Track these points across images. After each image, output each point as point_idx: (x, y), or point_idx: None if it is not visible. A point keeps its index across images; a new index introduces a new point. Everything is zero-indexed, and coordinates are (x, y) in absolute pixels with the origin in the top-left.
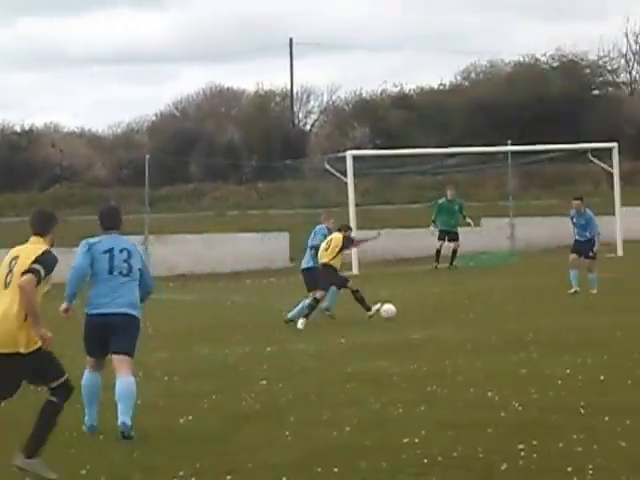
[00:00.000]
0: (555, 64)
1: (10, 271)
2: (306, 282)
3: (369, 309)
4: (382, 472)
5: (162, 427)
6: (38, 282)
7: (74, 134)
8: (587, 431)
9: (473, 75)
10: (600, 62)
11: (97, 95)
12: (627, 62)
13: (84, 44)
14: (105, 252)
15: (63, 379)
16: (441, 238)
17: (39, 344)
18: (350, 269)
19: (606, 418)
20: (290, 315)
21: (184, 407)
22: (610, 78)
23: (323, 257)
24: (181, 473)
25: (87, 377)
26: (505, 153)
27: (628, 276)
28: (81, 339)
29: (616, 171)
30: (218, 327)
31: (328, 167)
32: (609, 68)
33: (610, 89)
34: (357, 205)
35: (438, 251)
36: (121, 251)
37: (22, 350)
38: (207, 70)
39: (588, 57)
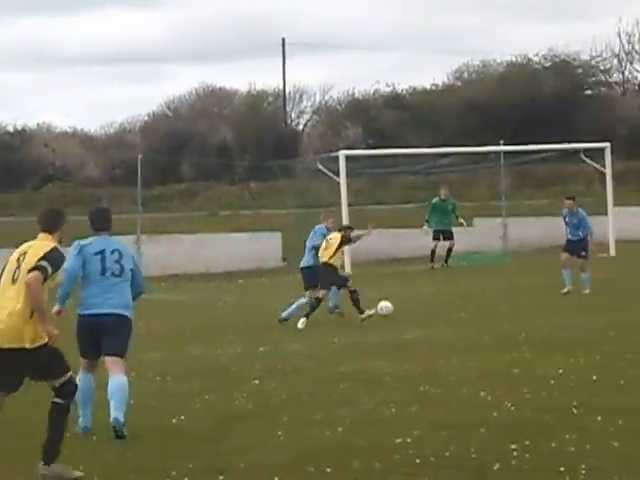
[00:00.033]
0: (548, 64)
1: (18, 267)
2: (304, 281)
3: (362, 312)
4: (375, 472)
5: (155, 427)
6: (45, 279)
7: (67, 134)
8: (580, 431)
9: (466, 75)
10: (593, 62)
11: (89, 95)
12: (620, 62)
13: (76, 44)
14: (97, 254)
15: (67, 377)
16: (436, 238)
17: (45, 340)
18: (343, 269)
19: (599, 418)
20: (284, 314)
21: (176, 407)
22: (603, 78)
23: (323, 256)
24: (174, 473)
25: (81, 379)
26: (498, 153)
27: (621, 276)
28: (74, 341)
29: (608, 171)
30: (210, 327)
31: (321, 167)
32: (602, 68)
33: (603, 89)
34: (350, 205)
35: (433, 251)
36: (112, 252)
37: (27, 345)
38: (199, 70)
39: (581, 57)
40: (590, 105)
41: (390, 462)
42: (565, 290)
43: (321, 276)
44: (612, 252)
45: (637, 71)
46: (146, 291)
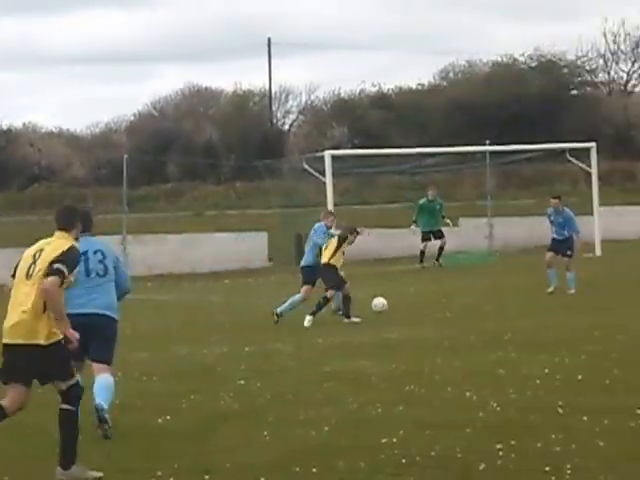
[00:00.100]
0: (533, 64)
1: (34, 262)
2: (303, 278)
3: (349, 317)
4: (360, 472)
5: (140, 427)
6: (62, 283)
7: (52, 134)
8: (565, 431)
9: (451, 75)
10: (578, 62)
11: (75, 95)
12: (605, 62)
13: (62, 44)
14: (80, 255)
15: (75, 380)
16: (425, 239)
17: (59, 337)
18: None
19: (584, 418)
20: (279, 309)
21: (162, 407)
22: (588, 78)
23: (323, 257)
24: (159, 473)
25: None
26: (483, 153)
27: (606, 276)
28: None
29: (594, 171)
30: (196, 327)
31: (306, 167)
32: (587, 68)
33: (588, 89)
34: (336, 205)
35: (422, 252)
36: (95, 253)
37: (42, 342)
38: (185, 70)
39: (566, 57)
40: (576, 105)
41: (375, 462)
42: (550, 289)
43: (324, 277)
44: (598, 252)
45: (623, 71)
46: (131, 291)
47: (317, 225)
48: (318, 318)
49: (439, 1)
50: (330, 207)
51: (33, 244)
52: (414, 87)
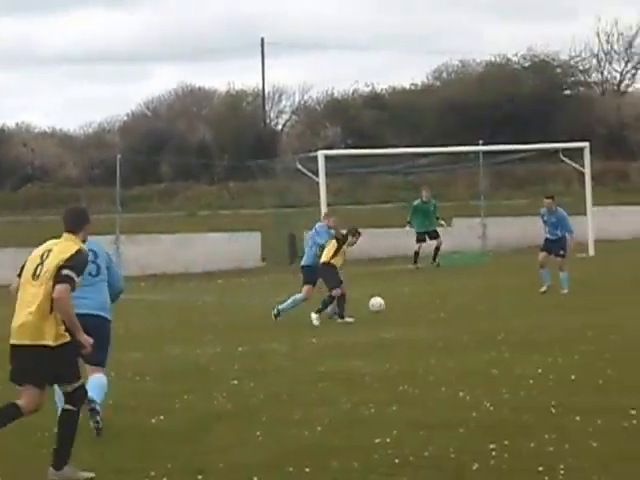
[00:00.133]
0: (527, 64)
1: (41, 263)
2: (304, 277)
3: (342, 317)
4: (353, 472)
5: (133, 427)
6: (73, 289)
7: (46, 134)
8: (558, 431)
9: (445, 75)
10: (572, 62)
11: (68, 95)
12: (598, 62)
13: (55, 44)
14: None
15: (80, 382)
16: (420, 240)
17: (68, 339)
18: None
19: (577, 418)
20: (281, 307)
21: (155, 407)
22: (582, 78)
23: (323, 256)
24: (152, 473)
25: None
26: (477, 153)
27: (599, 276)
28: None
29: (587, 171)
30: (190, 327)
31: (300, 167)
32: (581, 68)
33: (581, 89)
34: (329, 205)
35: (417, 253)
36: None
37: (51, 343)
38: (178, 70)
39: (560, 57)
40: (569, 105)
41: (369, 462)
42: (543, 289)
43: (324, 276)
44: (591, 252)
45: (616, 71)
46: (125, 291)
47: (318, 225)
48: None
49: (432, 2)
50: (323, 207)
51: (27, 244)
52: (407, 87)
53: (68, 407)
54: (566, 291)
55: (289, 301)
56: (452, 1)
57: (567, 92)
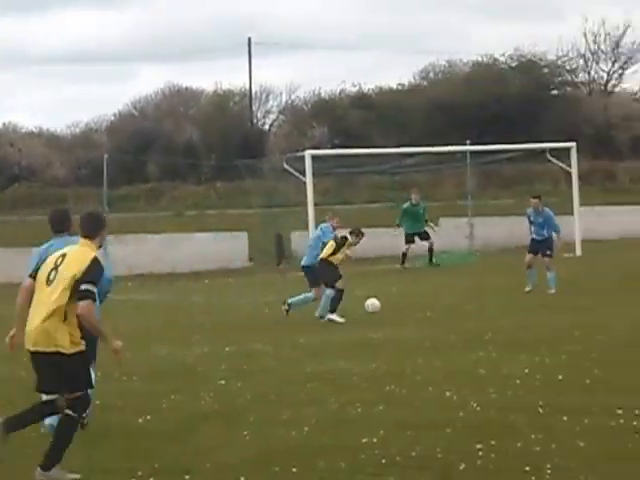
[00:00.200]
0: (514, 64)
1: (55, 268)
2: (307, 279)
3: (333, 312)
4: (341, 472)
5: (120, 427)
6: (94, 301)
7: (33, 134)
8: (545, 431)
9: (432, 75)
10: (559, 62)
11: (55, 95)
12: (585, 62)
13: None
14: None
15: (83, 392)
16: (409, 241)
17: (82, 347)
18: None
19: (564, 418)
20: (291, 300)
21: (142, 407)
22: (569, 78)
23: (323, 253)
24: (139, 473)
25: None
26: (464, 153)
27: (586, 276)
28: None
29: (574, 171)
30: (177, 327)
31: (287, 167)
32: (568, 68)
33: (568, 89)
34: (316, 205)
35: (404, 254)
36: None
37: (66, 350)
38: (165, 70)
39: (547, 57)
40: (556, 105)
41: (356, 462)
42: (528, 288)
43: (322, 273)
44: (578, 252)
45: (603, 71)
46: (112, 290)
47: (324, 225)
48: (299, 319)
49: (421, 2)
50: (310, 207)
51: (13, 244)
52: (394, 87)
53: (69, 412)
54: (553, 291)
55: (301, 297)
56: (440, 1)
57: (554, 92)
